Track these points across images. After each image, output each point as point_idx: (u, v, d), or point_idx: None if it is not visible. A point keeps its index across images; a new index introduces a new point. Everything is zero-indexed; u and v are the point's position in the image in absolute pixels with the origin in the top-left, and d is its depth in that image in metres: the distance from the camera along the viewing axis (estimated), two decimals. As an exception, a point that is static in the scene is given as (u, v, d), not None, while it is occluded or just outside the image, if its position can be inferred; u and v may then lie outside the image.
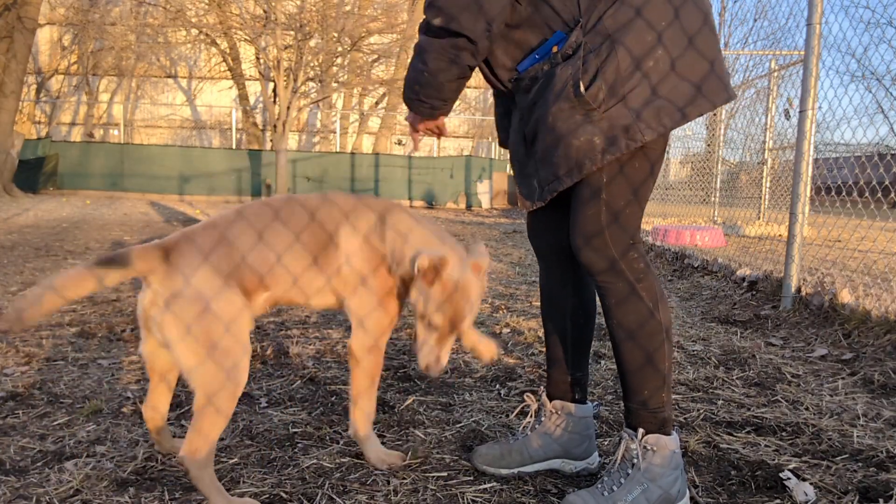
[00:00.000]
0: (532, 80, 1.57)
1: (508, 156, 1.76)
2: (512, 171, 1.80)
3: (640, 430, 1.58)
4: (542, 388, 1.92)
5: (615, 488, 1.57)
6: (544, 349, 2.00)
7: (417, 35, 1.56)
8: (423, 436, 2.04)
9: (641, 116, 1.46)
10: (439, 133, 1.80)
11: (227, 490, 1.64)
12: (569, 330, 1.80)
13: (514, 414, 2.15)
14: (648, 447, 1.57)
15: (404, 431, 2.07)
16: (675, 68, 1.47)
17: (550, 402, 1.85)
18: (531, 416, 1.90)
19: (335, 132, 22.67)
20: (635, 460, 1.58)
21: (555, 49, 1.50)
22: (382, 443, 1.92)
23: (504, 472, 1.79)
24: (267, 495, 1.64)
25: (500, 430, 2.10)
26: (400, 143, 24.68)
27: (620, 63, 1.44)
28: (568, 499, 1.58)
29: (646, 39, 1.45)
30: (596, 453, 1.86)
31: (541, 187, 1.61)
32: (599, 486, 1.60)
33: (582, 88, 1.46)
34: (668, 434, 1.59)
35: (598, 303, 1.71)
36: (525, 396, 1.92)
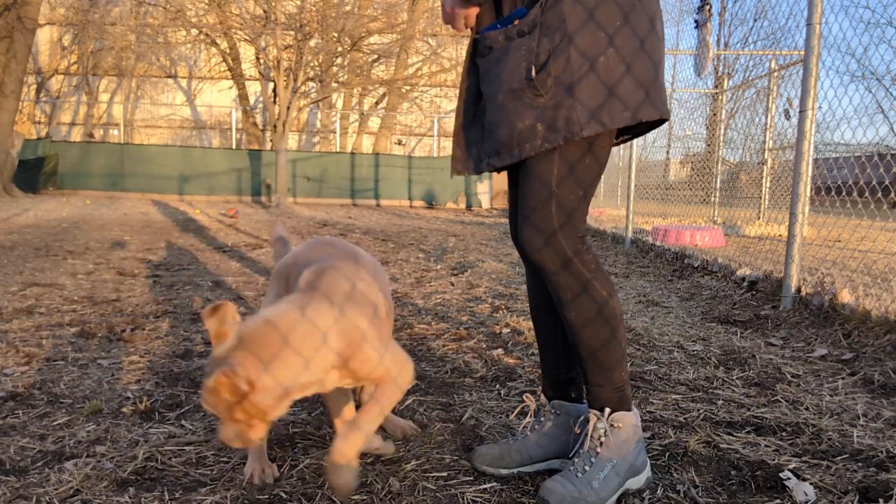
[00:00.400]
0: (488, 49, 1.57)
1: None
2: (453, 133, 1.74)
3: (607, 410, 1.64)
4: (540, 388, 1.92)
5: (587, 468, 1.61)
6: (544, 349, 2.01)
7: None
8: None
9: (585, 111, 1.46)
10: (466, 23, 1.66)
11: (226, 490, 1.65)
12: (558, 330, 1.81)
13: (514, 414, 2.15)
14: (615, 424, 1.63)
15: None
16: (625, 68, 1.47)
17: (549, 402, 1.85)
18: (531, 416, 1.90)
19: (335, 132, 22.68)
20: (603, 438, 1.63)
21: (516, 23, 1.50)
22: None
23: (504, 472, 1.79)
24: (267, 495, 1.65)
25: (500, 430, 2.10)
26: (400, 143, 24.68)
27: (572, 54, 1.44)
28: (546, 485, 1.60)
29: (598, 35, 1.45)
30: (596, 453, 1.86)
31: (479, 158, 1.62)
32: (572, 468, 1.63)
33: (533, 73, 1.46)
34: (630, 410, 1.66)
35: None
36: (524, 397, 1.93)
